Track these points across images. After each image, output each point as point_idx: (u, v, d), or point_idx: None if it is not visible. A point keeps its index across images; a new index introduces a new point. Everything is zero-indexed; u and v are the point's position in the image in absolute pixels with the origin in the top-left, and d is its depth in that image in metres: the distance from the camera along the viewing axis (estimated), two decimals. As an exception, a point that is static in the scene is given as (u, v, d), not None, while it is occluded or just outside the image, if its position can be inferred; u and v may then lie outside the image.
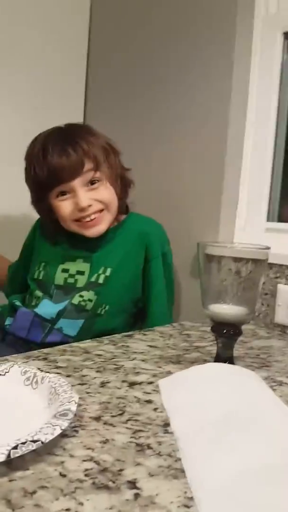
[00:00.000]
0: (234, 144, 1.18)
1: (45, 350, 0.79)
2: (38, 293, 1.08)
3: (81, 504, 0.37)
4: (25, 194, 1.07)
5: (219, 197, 1.19)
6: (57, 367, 0.70)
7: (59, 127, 1.05)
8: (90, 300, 1.04)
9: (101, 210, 1.03)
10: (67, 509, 0.36)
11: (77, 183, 1.00)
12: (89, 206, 1.00)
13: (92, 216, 1.02)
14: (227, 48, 1.16)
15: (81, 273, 1.06)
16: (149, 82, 1.36)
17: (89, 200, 1.00)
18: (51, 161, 0.98)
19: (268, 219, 1.21)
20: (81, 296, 1.04)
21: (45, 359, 0.74)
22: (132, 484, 0.40)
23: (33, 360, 0.73)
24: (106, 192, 1.03)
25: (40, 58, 1.44)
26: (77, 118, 1.50)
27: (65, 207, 1.02)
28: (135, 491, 0.39)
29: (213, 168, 1.20)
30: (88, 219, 1.02)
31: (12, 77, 1.38)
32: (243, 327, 0.71)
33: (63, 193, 1.01)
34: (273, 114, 1.18)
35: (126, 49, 1.44)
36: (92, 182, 1.01)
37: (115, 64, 1.47)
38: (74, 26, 1.52)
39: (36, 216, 1.14)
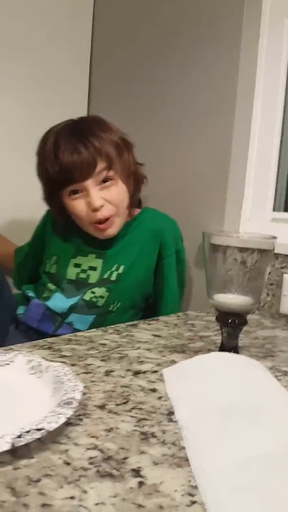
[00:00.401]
0: (240, 133, 1.17)
1: (50, 340, 0.79)
2: (51, 286, 1.09)
3: (85, 492, 0.37)
4: (31, 182, 1.07)
5: (224, 187, 1.18)
6: (62, 356, 0.70)
7: (72, 120, 1.03)
8: (101, 297, 1.04)
9: (111, 215, 1.01)
10: (71, 497, 0.36)
11: (90, 183, 0.98)
12: (102, 206, 0.99)
13: (105, 217, 1.00)
14: (233, 38, 1.14)
15: (93, 268, 1.06)
16: (154, 74, 1.34)
17: (101, 200, 0.99)
18: (63, 159, 0.96)
19: (274, 209, 1.20)
20: (92, 292, 1.04)
21: (50, 348, 0.74)
22: (136, 472, 0.41)
23: (38, 349, 0.73)
24: (117, 192, 1.01)
25: (44, 50, 1.42)
26: (80, 111, 1.49)
27: (79, 206, 1.00)
28: (139, 479, 0.39)
29: (218, 158, 1.19)
30: (101, 217, 1.00)
31: (16, 70, 1.37)
32: (249, 317, 0.71)
33: (75, 192, 1.00)
34: (280, 103, 1.16)
35: (130, 41, 1.42)
36: (104, 180, 1.00)
37: (119, 57, 1.45)
38: (78, 17, 1.50)
39: (44, 206, 1.13)
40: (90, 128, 1.00)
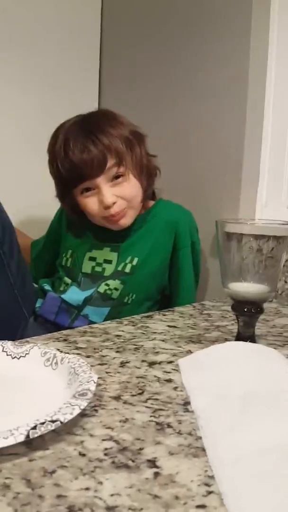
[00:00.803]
0: (253, 120, 1.15)
1: (65, 332, 0.79)
2: (67, 280, 1.09)
3: (101, 483, 0.37)
4: (45, 175, 1.06)
5: (239, 175, 1.16)
6: (77, 348, 0.70)
7: (82, 116, 1.03)
8: (116, 289, 1.04)
9: (124, 208, 1.02)
10: (86, 488, 0.36)
11: (101, 180, 0.98)
12: (114, 203, 0.99)
13: (117, 212, 1.01)
14: (243, 26, 1.12)
15: (108, 262, 1.06)
16: (165, 63, 1.33)
17: (114, 197, 0.99)
18: (72, 158, 0.96)
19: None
20: (107, 284, 1.04)
21: (65, 340, 0.74)
22: (152, 463, 0.40)
23: (54, 341, 0.73)
24: (129, 188, 1.01)
25: (55, 43, 1.42)
26: (92, 103, 1.49)
27: (91, 204, 1.01)
28: (155, 470, 0.39)
29: (232, 144, 1.17)
30: (113, 213, 1.00)
31: (26, 63, 1.37)
32: (266, 305, 0.70)
33: (87, 189, 1.00)
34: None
35: (141, 30, 1.40)
36: (116, 176, 1.00)
37: (130, 47, 1.44)
38: (87, 8, 1.49)
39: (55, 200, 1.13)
40: (99, 124, 0.99)
